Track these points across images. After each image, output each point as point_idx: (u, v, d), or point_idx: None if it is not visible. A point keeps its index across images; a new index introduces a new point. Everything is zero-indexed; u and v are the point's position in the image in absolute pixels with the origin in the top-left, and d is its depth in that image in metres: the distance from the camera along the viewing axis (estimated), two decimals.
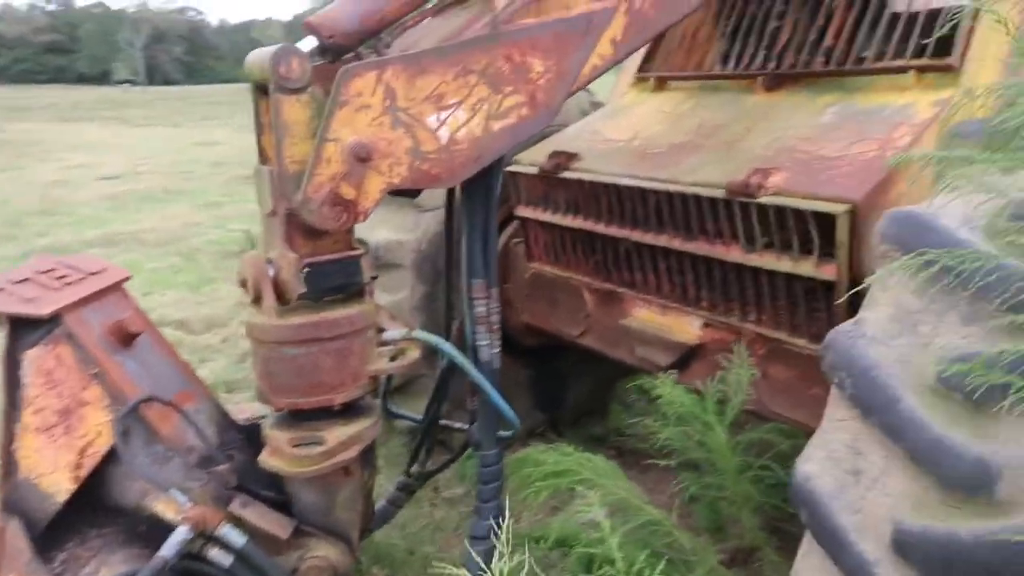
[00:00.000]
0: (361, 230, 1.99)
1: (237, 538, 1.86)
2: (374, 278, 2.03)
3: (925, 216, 1.51)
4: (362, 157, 1.80)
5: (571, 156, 3.03)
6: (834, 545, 1.39)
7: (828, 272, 2.20)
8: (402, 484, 2.74)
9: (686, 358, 2.75)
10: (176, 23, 77.50)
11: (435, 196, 3.18)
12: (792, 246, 2.28)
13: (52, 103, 35.87)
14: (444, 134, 1.91)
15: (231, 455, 2.04)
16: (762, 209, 2.32)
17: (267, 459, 1.94)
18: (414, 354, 2.06)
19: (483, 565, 1.75)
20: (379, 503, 2.63)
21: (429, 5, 2.16)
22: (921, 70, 2.45)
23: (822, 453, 1.50)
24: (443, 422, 2.71)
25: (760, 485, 2.59)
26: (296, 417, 1.99)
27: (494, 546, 1.76)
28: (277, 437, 1.94)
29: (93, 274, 2.04)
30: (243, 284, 1.96)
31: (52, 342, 1.86)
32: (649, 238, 2.74)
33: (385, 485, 2.90)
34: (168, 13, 79.33)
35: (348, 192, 1.82)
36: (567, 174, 2.97)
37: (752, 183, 2.32)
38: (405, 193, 2.24)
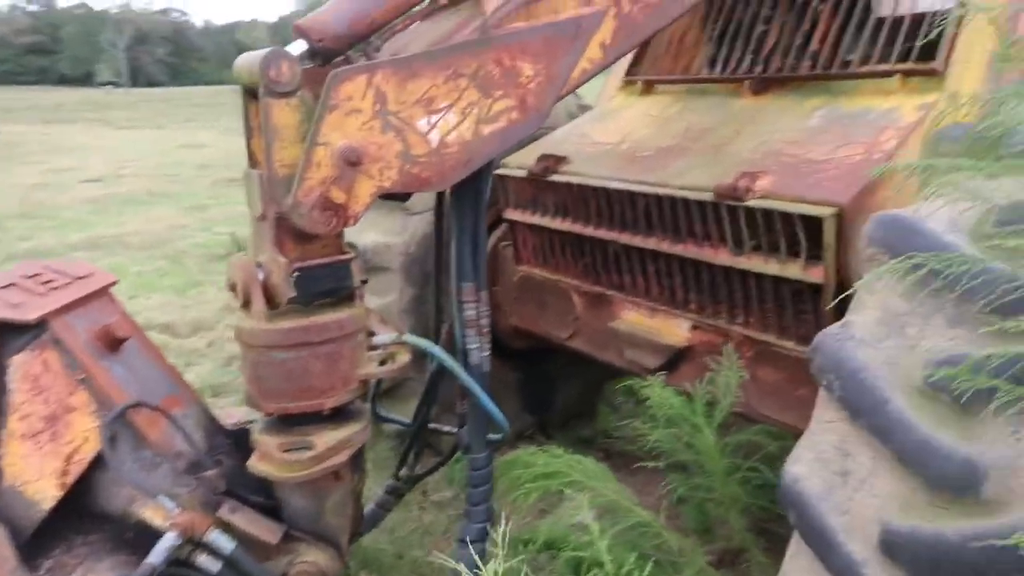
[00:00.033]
0: (349, 233, 1.99)
1: (226, 544, 1.85)
2: (364, 282, 2.03)
3: (912, 220, 1.53)
4: (352, 161, 1.80)
5: (560, 159, 3.04)
6: (822, 546, 1.40)
7: (815, 275, 2.22)
8: (391, 488, 2.74)
9: (675, 360, 2.76)
10: (160, 24, 76.98)
11: (423, 199, 3.18)
12: (779, 249, 2.30)
13: (34, 104, 35.55)
14: (434, 138, 1.91)
15: (219, 460, 2.03)
16: (750, 212, 2.33)
17: (256, 464, 1.93)
18: (404, 358, 2.06)
19: (474, 569, 1.74)
20: (368, 507, 2.62)
21: (418, 9, 2.16)
22: (906, 74, 2.48)
23: (811, 455, 1.51)
24: (432, 426, 2.71)
25: (748, 486, 2.61)
26: (285, 422, 1.98)
27: (484, 549, 1.76)
28: (266, 442, 1.93)
29: (80, 279, 2.03)
30: (232, 288, 1.95)
31: (38, 348, 1.84)
32: (638, 241, 2.75)
33: (373, 489, 2.89)
34: (151, 14, 78.83)
35: (338, 196, 1.82)
36: (556, 177, 2.98)
37: (740, 186, 2.34)
38: (395, 197, 2.24)
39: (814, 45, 2.80)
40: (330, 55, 1.99)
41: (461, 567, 1.73)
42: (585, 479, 2.46)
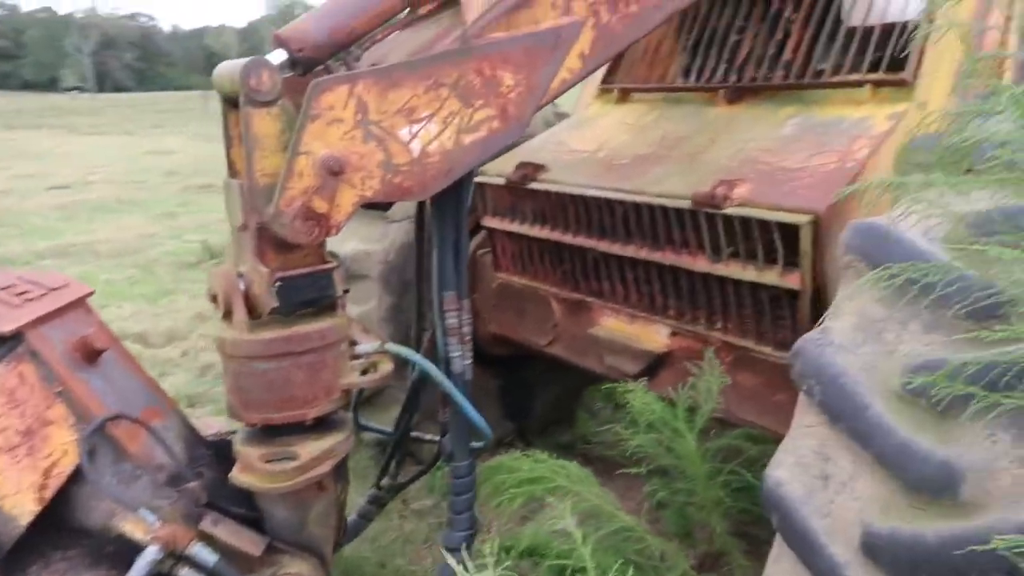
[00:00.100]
0: (329, 242, 1.98)
1: (208, 557, 1.83)
2: (346, 291, 2.02)
3: (887, 227, 1.57)
4: (334, 171, 1.80)
5: (538, 167, 3.06)
6: (805, 549, 1.43)
7: (792, 281, 2.26)
8: (372, 497, 2.73)
9: (654, 366, 2.79)
10: (127, 29, 75.90)
11: (403, 207, 3.18)
12: (757, 256, 2.34)
13: None
14: (416, 147, 1.91)
15: (201, 472, 2.00)
16: (728, 220, 2.37)
17: (239, 475, 1.91)
18: (387, 367, 2.05)
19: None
20: (350, 517, 2.60)
21: (398, 19, 2.17)
22: (876, 84, 2.53)
23: (792, 459, 1.54)
24: (415, 434, 2.70)
25: (728, 490, 2.64)
26: (268, 432, 1.96)
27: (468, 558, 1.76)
28: (249, 453, 1.92)
29: (55, 290, 2.00)
30: (213, 298, 1.94)
31: (14, 360, 1.81)
32: (616, 248, 2.78)
33: (354, 498, 2.88)
34: (118, 19, 77.68)
35: (320, 206, 1.81)
36: (534, 185, 2.99)
37: (718, 194, 2.38)
38: (377, 206, 2.24)
39: (787, 55, 2.85)
40: (310, 64, 1.98)
41: None
42: (570, 484, 2.48)
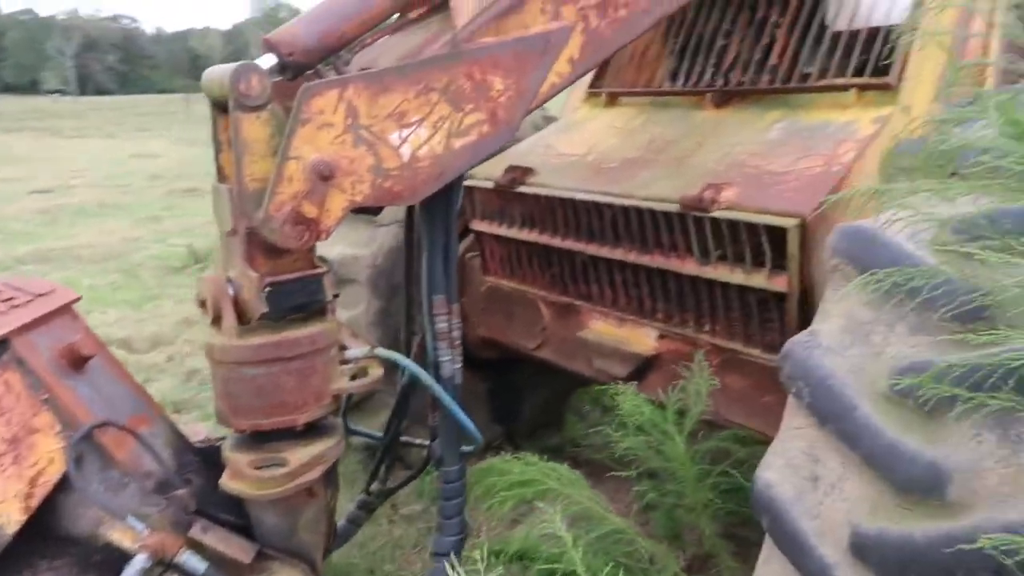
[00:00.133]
0: (317, 246, 1.98)
1: (198, 564, 1.82)
2: (336, 296, 2.02)
3: (873, 231, 1.59)
4: (324, 175, 1.79)
5: (526, 171, 3.06)
6: (795, 550, 1.44)
7: (780, 284, 2.28)
8: (362, 502, 2.72)
9: (643, 369, 2.80)
10: (109, 31, 75.31)
11: (391, 211, 3.17)
12: (745, 259, 2.36)
13: None
14: (406, 152, 1.91)
15: (189, 479, 1.99)
16: (716, 223, 2.39)
17: (228, 482, 1.90)
18: (377, 372, 2.05)
19: None
20: (339, 522, 2.59)
21: (388, 23, 2.17)
22: (861, 88, 2.56)
23: (781, 461, 1.55)
24: (404, 439, 2.70)
25: (717, 491, 2.65)
26: (257, 438, 1.95)
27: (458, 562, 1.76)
28: (238, 459, 1.90)
29: (41, 296, 1.98)
30: (202, 304, 1.92)
31: (0, 367, 1.79)
32: (605, 251, 2.79)
33: (343, 503, 2.87)
34: (100, 21, 77.08)
35: (310, 210, 1.81)
36: (523, 188, 3.00)
37: (705, 198, 2.39)
38: (366, 211, 2.23)
39: (773, 59, 2.87)
40: (300, 69, 1.98)
41: None
42: (560, 487, 2.48)
